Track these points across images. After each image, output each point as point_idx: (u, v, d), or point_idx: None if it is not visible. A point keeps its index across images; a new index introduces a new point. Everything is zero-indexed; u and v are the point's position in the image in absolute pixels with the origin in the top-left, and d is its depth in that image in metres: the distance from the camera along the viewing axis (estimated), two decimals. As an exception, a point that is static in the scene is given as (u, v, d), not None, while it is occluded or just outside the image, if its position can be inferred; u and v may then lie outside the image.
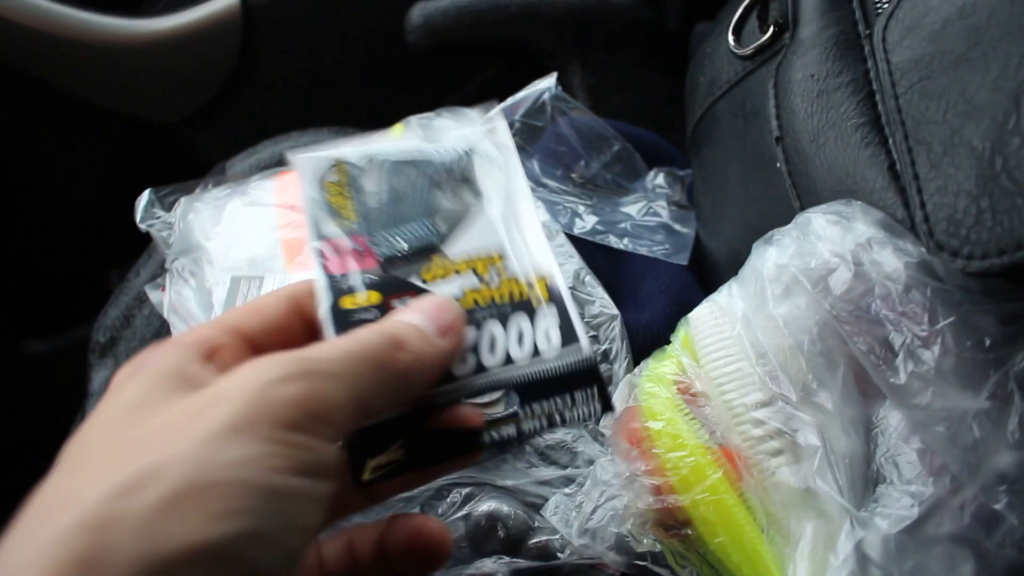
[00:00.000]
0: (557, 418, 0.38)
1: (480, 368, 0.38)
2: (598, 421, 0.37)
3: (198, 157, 1.11)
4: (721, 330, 0.47)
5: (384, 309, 0.38)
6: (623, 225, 0.68)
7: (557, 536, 0.52)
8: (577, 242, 0.67)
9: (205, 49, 1.05)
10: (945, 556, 0.40)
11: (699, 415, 0.46)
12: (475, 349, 0.38)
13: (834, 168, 0.48)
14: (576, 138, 0.69)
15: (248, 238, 0.64)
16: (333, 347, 0.32)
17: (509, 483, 0.55)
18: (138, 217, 0.69)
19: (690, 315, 0.50)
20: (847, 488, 0.42)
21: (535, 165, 0.68)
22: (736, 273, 0.49)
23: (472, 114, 0.79)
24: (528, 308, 0.40)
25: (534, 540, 0.52)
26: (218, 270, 0.62)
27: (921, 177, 0.42)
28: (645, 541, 0.48)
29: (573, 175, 0.70)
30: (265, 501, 0.26)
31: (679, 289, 0.65)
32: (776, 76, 0.55)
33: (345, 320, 0.37)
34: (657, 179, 0.71)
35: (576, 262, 0.65)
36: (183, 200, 0.69)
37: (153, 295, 0.67)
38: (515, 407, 0.38)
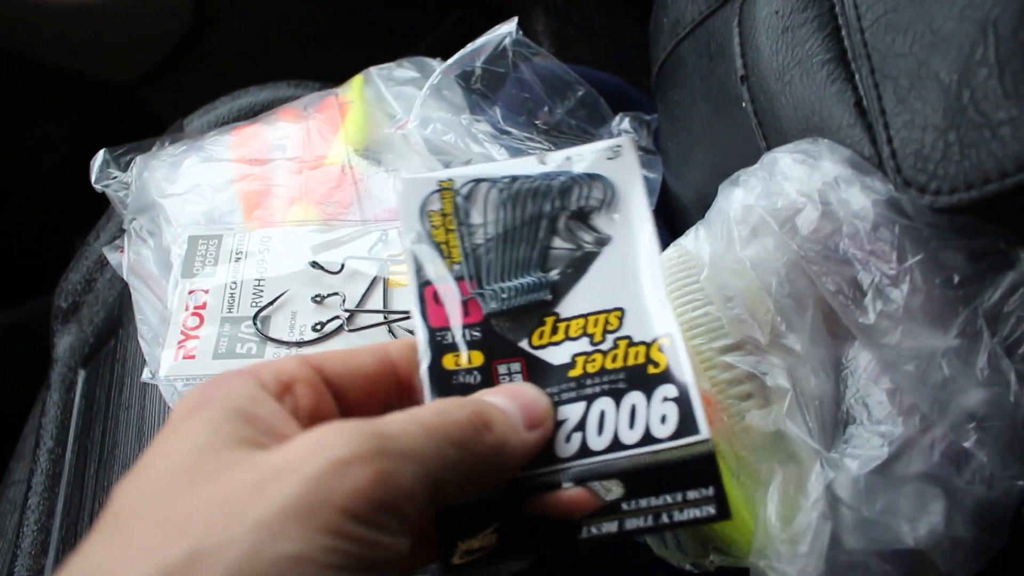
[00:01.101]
0: (665, 517, 0.33)
1: (585, 451, 0.34)
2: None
3: (158, 118, 1.08)
4: (688, 274, 0.47)
5: (487, 373, 0.35)
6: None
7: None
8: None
9: (159, 3, 1.02)
10: (915, 495, 0.40)
11: (667, 361, 0.46)
12: (582, 427, 0.35)
13: (800, 106, 0.47)
14: (539, 84, 0.68)
15: (205, 193, 0.63)
16: (412, 421, 0.29)
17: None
18: (93, 178, 0.67)
19: (657, 260, 0.50)
20: (817, 430, 0.42)
21: (498, 112, 0.67)
22: (703, 216, 0.49)
23: (433, 64, 0.78)
24: (643, 379, 0.35)
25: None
26: (176, 228, 0.60)
27: (888, 112, 0.41)
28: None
29: (537, 122, 0.69)
30: None
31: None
32: (741, 14, 0.54)
33: (446, 383, 0.35)
34: (623, 124, 0.70)
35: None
36: (139, 159, 0.67)
37: (112, 257, 0.66)
38: (619, 499, 0.33)
